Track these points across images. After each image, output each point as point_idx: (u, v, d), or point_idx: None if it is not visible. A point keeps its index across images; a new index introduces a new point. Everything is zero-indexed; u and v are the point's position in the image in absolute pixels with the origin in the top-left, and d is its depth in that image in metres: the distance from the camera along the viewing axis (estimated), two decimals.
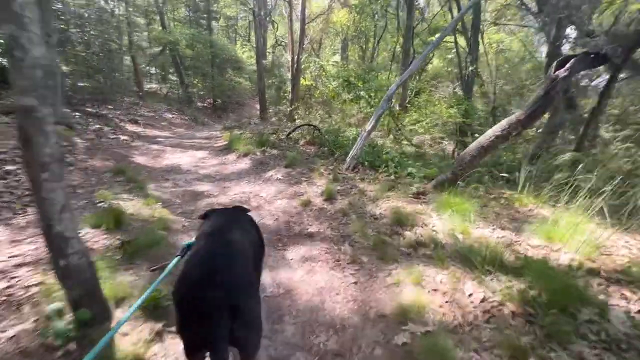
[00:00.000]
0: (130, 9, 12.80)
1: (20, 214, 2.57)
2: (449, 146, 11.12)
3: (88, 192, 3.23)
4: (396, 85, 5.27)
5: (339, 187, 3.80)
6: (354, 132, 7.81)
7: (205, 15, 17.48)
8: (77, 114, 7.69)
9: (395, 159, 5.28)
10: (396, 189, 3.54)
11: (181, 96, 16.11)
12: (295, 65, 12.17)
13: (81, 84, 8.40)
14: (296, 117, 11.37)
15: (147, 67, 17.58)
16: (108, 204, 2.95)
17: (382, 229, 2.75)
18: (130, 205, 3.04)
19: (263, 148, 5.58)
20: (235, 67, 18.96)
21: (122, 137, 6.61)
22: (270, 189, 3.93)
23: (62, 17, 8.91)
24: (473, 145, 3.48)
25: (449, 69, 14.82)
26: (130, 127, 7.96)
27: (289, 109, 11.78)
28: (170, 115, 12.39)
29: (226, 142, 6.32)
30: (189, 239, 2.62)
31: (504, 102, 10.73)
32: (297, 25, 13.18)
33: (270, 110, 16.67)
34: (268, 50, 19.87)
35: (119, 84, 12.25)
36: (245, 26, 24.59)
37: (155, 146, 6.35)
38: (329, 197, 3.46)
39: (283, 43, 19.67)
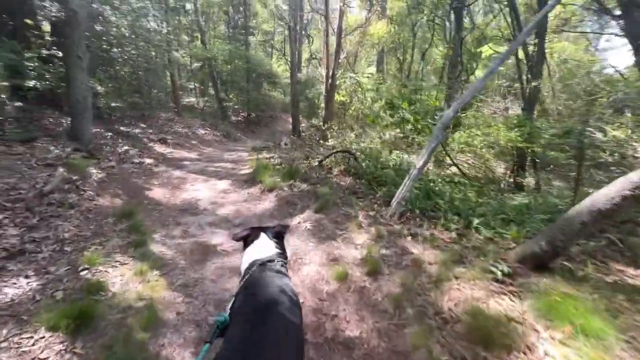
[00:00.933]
0: (170, 28, 13.05)
1: None
2: (499, 168, 9.81)
3: (77, 250, 2.67)
4: (454, 110, 4.32)
5: (384, 251, 2.92)
6: (396, 158, 6.89)
7: (243, 31, 17.69)
8: (109, 134, 7.61)
9: (449, 199, 4.29)
10: (467, 265, 2.57)
11: (216, 110, 16.26)
12: (330, 81, 11.57)
13: (115, 104, 8.38)
14: (329, 135, 10.70)
15: (187, 82, 18.10)
16: (92, 274, 2.34)
17: (458, 347, 1.82)
18: (119, 275, 2.40)
19: (291, 181, 4.86)
20: (270, 81, 18.96)
21: (147, 161, 6.28)
22: (297, 245, 3.15)
23: (105, 38, 9.05)
24: (584, 207, 2.43)
25: (499, 82, 13.41)
26: (158, 148, 7.72)
27: (322, 127, 11.13)
28: (203, 131, 12.31)
29: (252, 170, 5.72)
30: (182, 341, 1.90)
31: (570, 121, 9.27)
32: (332, 39, 12.66)
33: (303, 125, 16.26)
34: (303, 65, 19.64)
35: (158, 99, 12.49)
36: (281, 40, 24.77)
37: (178, 172, 5.91)
38: (373, 270, 2.59)
39: (318, 57, 19.36)
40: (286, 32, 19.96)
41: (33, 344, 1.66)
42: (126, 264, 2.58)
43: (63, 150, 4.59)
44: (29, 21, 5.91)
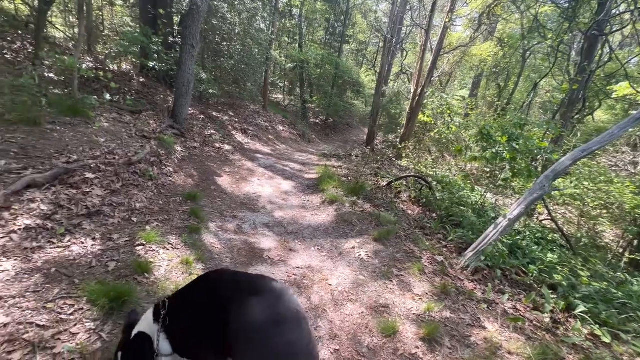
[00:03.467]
0: (275, 29, 14.02)
1: (54, 243, 2.21)
2: (607, 233, 7.92)
3: (141, 223, 2.81)
4: (573, 159, 3.45)
5: (448, 313, 2.38)
6: (477, 197, 6.00)
7: (339, 39, 18.16)
8: (202, 116, 8.41)
9: (542, 264, 3.42)
10: None
11: (298, 110, 16.95)
12: (417, 98, 10.93)
13: (213, 91, 9.24)
14: (404, 155, 10.07)
15: (278, 80, 19.32)
16: (145, 251, 2.41)
17: None
18: (167, 259, 2.42)
19: (354, 198, 4.54)
20: (354, 89, 19.03)
21: (226, 148, 6.68)
22: (346, 274, 2.82)
23: (218, 32, 10.11)
24: None
25: (632, 130, 10.95)
26: (238, 137, 8.21)
27: (398, 145, 10.56)
28: (282, 128, 12.85)
29: (317, 176, 5.58)
30: None
31: None
32: (428, 56, 11.96)
33: (379, 139, 15.82)
34: (391, 78, 19.21)
35: (249, 92, 13.54)
36: (374, 51, 24.71)
37: (249, 164, 6.12)
38: (430, 336, 2.11)
39: (408, 72, 18.70)
40: (381, 43, 19.79)
41: (72, 314, 1.69)
42: (177, 248, 2.61)
43: (160, 126, 5.12)
44: (161, 11, 6.81)
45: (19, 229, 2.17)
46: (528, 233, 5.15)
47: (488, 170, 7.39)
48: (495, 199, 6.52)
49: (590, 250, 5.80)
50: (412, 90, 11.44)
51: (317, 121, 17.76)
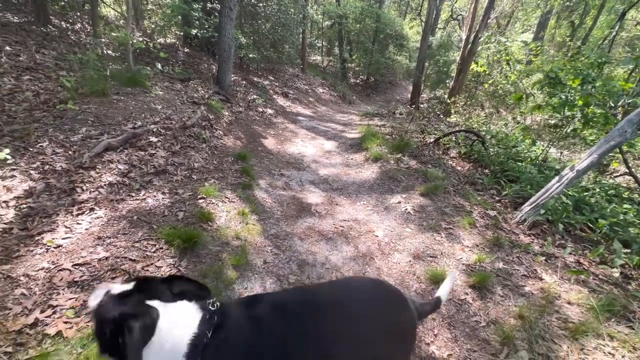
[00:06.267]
0: None
1: (132, 196, 2.55)
2: None
3: (200, 180, 3.08)
4: None
5: (500, 264, 2.32)
6: (537, 151, 5.45)
7: None
8: (244, 82, 8.56)
9: (615, 219, 3.08)
10: (635, 324, 1.78)
11: (337, 71, 16.34)
12: (469, 46, 9.81)
13: (252, 56, 9.23)
14: (453, 110, 9.34)
15: (315, 40, 18.57)
16: (206, 204, 2.66)
17: None
18: (225, 210, 2.66)
19: (399, 155, 4.42)
20: (397, 43, 17.60)
21: (269, 111, 6.81)
22: (392, 226, 2.85)
23: None
24: None
25: None
26: (280, 101, 8.27)
27: (447, 101, 9.78)
28: (322, 90, 12.61)
29: (360, 136, 5.49)
30: (262, 290, 1.96)
31: None
32: None
33: (424, 96, 14.80)
34: (439, 27, 17.30)
35: (288, 55, 13.29)
36: None
37: (292, 126, 6.21)
38: (480, 284, 2.09)
39: (459, 17, 16.63)
40: None
41: (154, 251, 1.99)
42: (233, 202, 2.85)
43: (207, 92, 5.34)
44: None
45: (104, 185, 2.53)
46: (598, 190, 4.62)
47: (553, 121, 6.57)
48: (560, 152, 5.85)
49: None
50: (464, 38, 10.25)
51: (358, 81, 17.04)
